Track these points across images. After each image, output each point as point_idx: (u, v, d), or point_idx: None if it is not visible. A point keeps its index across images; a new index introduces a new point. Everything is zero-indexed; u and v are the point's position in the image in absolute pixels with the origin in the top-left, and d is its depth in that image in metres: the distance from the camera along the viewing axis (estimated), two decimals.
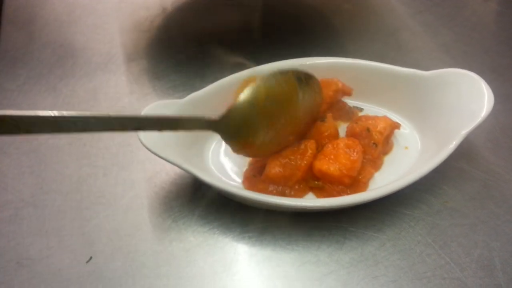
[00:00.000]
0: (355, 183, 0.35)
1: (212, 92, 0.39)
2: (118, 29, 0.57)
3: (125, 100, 0.46)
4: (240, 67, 0.42)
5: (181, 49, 0.53)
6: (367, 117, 0.39)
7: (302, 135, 0.38)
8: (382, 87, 0.42)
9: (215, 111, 0.40)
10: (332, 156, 0.35)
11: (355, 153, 0.35)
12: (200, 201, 0.36)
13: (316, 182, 0.35)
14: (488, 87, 0.37)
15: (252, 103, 0.33)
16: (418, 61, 0.50)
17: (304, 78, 0.36)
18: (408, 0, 0.61)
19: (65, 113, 0.27)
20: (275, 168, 0.35)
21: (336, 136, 0.38)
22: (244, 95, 0.33)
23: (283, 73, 0.35)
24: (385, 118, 0.39)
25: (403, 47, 0.53)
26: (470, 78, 0.38)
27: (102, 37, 0.55)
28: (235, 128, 0.34)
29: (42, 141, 0.42)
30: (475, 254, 0.32)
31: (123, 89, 0.47)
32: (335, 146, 0.36)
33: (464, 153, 0.38)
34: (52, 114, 0.27)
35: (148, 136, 0.34)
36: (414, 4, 0.60)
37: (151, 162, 0.39)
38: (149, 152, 0.33)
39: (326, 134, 0.37)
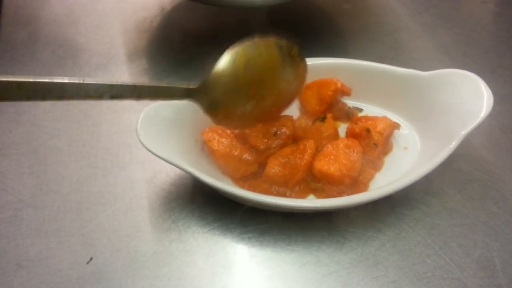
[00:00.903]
0: (356, 184, 0.35)
1: None
2: (117, 29, 0.57)
3: (125, 101, 0.46)
4: None
5: (181, 49, 0.53)
6: (367, 118, 0.39)
7: (285, 108, 0.36)
8: (381, 88, 0.42)
9: None
10: (332, 157, 0.35)
11: (355, 154, 0.35)
12: (200, 201, 0.36)
13: (316, 184, 0.35)
14: (487, 87, 0.37)
15: (231, 70, 0.32)
16: (417, 62, 0.50)
17: (286, 47, 0.34)
18: (407, 1, 0.61)
19: (40, 78, 0.27)
20: (274, 168, 0.35)
21: (335, 136, 0.38)
22: (223, 62, 0.32)
23: (264, 40, 0.33)
24: (384, 118, 0.39)
25: (402, 48, 0.53)
26: (469, 78, 0.38)
27: (102, 38, 0.55)
28: (214, 96, 0.32)
29: (42, 142, 0.41)
30: (475, 255, 0.32)
31: None
32: (334, 146, 0.36)
33: (463, 154, 0.38)
34: (28, 80, 0.27)
35: (148, 137, 0.34)
36: (413, 5, 0.60)
37: (151, 162, 0.39)
38: (149, 153, 0.33)
39: (325, 134, 0.38)
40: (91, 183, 0.38)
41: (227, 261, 0.32)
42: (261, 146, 0.36)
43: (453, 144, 0.34)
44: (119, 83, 0.30)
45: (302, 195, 0.35)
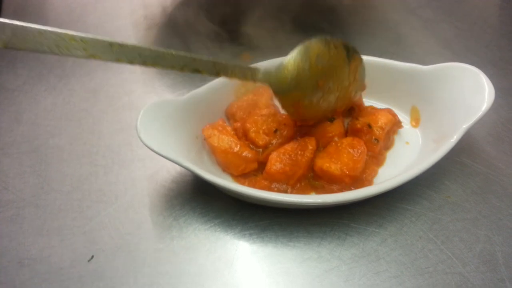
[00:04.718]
0: (360, 182, 0.35)
1: (212, 89, 0.39)
2: (117, 28, 0.57)
3: (125, 99, 0.46)
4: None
5: (181, 47, 0.53)
6: (368, 112, 0.39)
7: (343, 108, 0.39)
8: (382, 82, 0.42)
9: (215, 109, 0.40)
10: (334, 155, 0.35)
11: (358, 153, 0.35)
12: (201, 198, 0.36)
13: (316, 182, 0.35)
14: (488, 81, 0.36)
15: (305, 59, 0.35)
16: (418, 56, 0.50)
17: (351, 51, 0.37)
18: None
19: (129, 44, 0.29)
20: (275, 165, 0.35)
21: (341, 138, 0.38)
22: (297, 51, 0.35)
23: (333, 40, 0.36)
24: (385, 113, 0.39)
25: (403, 42, 0.53)
26: (471, 72, 0.38)
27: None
28: (287, 81, 0.35)
29: (43, 141, 0.42)
30: (477, 249, 0.32)
31: (123, 88, 0.47)
32: (338, 145, 0.35)
33: (465, 148, 0.38)
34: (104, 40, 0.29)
35: (148, 134, 0.34)
36: None
37: (152, 160, 0.39)
38: (150, 150, 0.33)
39: (330, 135, 0.37)
40: (92, 181, 0.38)
41: (228, 257, 0.32)
42: (260, 142, 0.36)
43: (455, 138, 0.34)
44: (201, 59, 0.32)
45: (303, 192, 0.35)
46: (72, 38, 0.28)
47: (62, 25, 0.57)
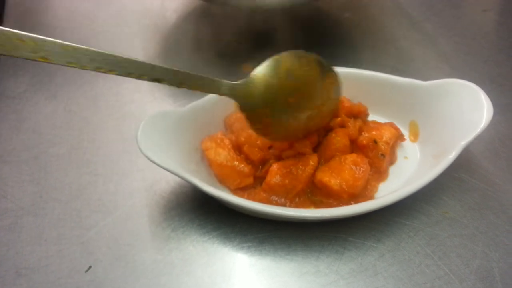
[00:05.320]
0: (361, 197, 0.35)
1: (213, 101, 0.39)
2: (119, 37, 0.57)
3: (125, 108, 0.46)
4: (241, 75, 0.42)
5: (182, 57, 0.54)
6: (372, 128, 0.39)
7: (315, 128, 0.37)
8: (381, 97, 0.42)
9: (216, 120, 0.40)
10: (336, 170, 0.35)
11: (360, 171, 0.35)
12: (200, 210, 0.36)
13: (315, 198, 0.35)
14: (487, 97, 0.37)
15: (274, 74, 0.33)
16: (417, 71, 0.51)
17: (326, 68, 0.35)
18: (408, 10, 0.61)
19: (82, 47, 0.28)
20: (276, 177, 0.35)
21: (345, 151, 0.37)
22: (266, 64, 0.33)
23: (306, 55, 0.34)
24: (389, 127, 0.39)
25: (402, 57, 0.53)
26: (469, 88, 0.38)
27: (103, 45, 0.55)
28: (254, 96, 0.33)
29: (42, 149, 0.42)
30: (474, 265, 0.32)
31: (124, 97, 0.48)
32: (342, 160, 0.35)
33: (463, 163, 0.38)
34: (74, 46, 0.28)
35: (148, 145, 0.34)
36: (414, 13, 0.61)
37: (151, 170, 0.39)
38: (149, 161, 0.33)
39: (335, 147, 0.37)
40: (92, 191, 0.38)
41: (226, 270, 0.32)
42: (254, 157, 0.36)
43: (453, 154, 0.34)
44: (161, 67, 0.30)
45: (301, 206, 0.35)
46: (20, 38, 0.26)
47: (63, 33, 0.57)
